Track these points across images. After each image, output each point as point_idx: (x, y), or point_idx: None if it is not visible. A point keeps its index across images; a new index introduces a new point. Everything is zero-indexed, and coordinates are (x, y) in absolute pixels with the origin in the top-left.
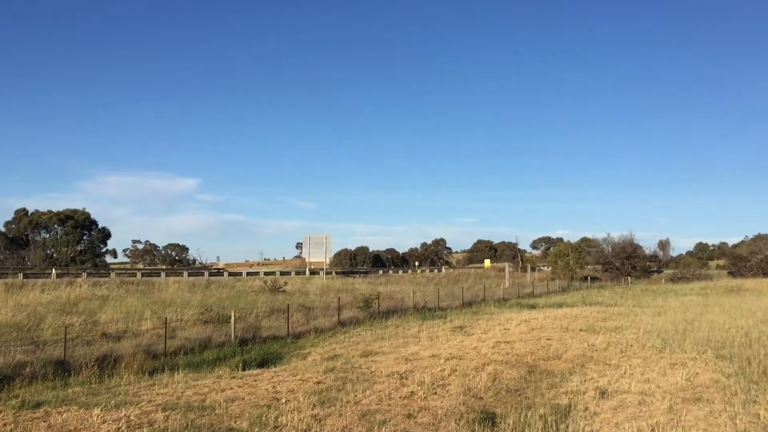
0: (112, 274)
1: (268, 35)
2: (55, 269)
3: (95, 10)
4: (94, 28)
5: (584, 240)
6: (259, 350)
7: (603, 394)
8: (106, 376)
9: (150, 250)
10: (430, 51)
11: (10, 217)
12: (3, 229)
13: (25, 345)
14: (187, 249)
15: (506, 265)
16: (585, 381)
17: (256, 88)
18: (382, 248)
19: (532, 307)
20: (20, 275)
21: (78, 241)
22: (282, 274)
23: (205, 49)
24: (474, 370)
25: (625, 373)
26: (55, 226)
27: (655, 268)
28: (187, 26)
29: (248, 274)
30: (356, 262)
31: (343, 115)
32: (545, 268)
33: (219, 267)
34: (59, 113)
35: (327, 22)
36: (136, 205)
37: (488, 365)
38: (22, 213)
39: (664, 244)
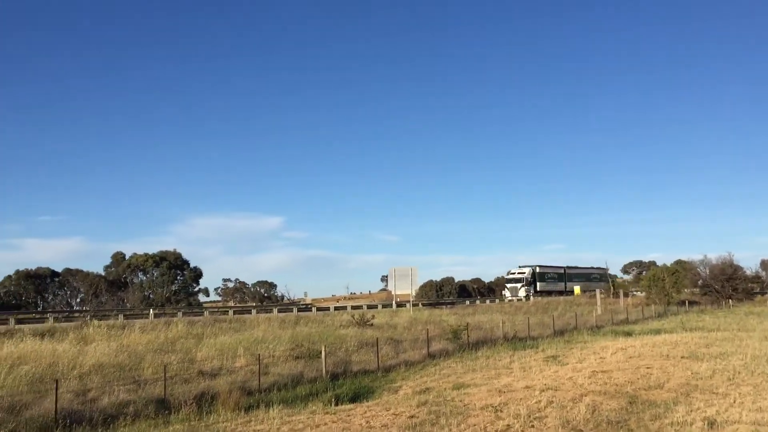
0: (206, 313)
1: (344, 69)
2: (153, 309)
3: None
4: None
5: (679, 262)
6: (350, 385)
7: (712, 424)
8: (204, 413)
9: (240, 287)
10: (509, 75)
11: (108, 261)
12: (103, 273)
13: (127, 384)
14: (275, 285)
15: (597, 291)
16: (691, 411)
17: (333, 132)
18: (468, 278)
19: (628, 334)
20: (120, 316)
21: (172, 281)
22: (369, 307)
23: (287, 96)
24: (571, 402)
25: (734, 402)
26: (151, 267)
27: (758, 290)
28: (263, 61)
29: (336, 308)
30: (442, 292)
31: (421, 146)
32: (638, 293)
33: (307, 302)
34: (151, 162)
35: (403, 55)
36: (224, 244)
37: (586, 396)
38: (120, 256)
39: (766, 264)
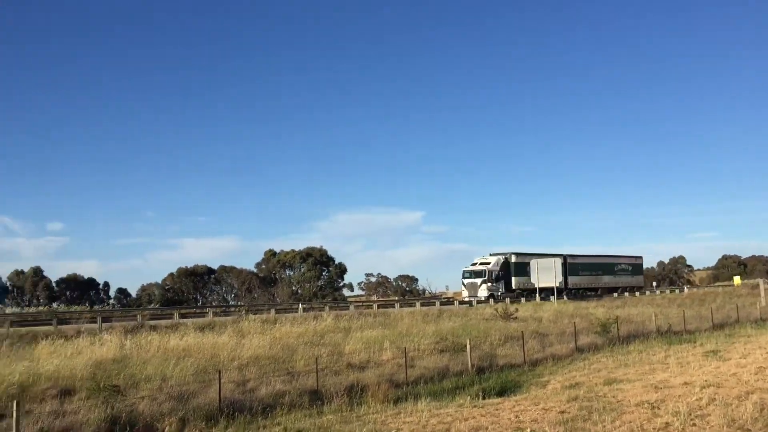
0: (351, 307)
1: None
2: (302, 304)
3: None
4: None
5: None
6: (496, 378)
7: None
8: (355, 404)
9: (382, 282)
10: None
11: (260, 258)
12: (255, 270)
13: (282, 375)
14: (416, 279)
15: (760, 281)
16: None
17: (471, 125)
18: None
19: None
20: (272, 311)
21: (318, 276)
22: (512, 300)
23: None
24: (736, 399)
25: None
26: (298, 264)
27: None
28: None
29: (478, 302)
30: None
31: (556, 135)
32: None
33: (449, 296)
34: (297, 162)
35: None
36: (366, 240)
37: (753, 393)
38: (270, 254)
39: None
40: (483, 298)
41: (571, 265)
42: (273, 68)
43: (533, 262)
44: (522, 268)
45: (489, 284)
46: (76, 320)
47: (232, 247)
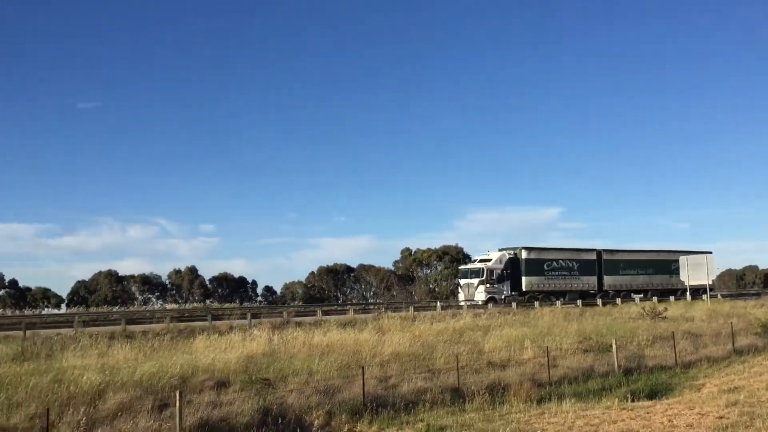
0: (490, 305)
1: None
2: (439, 302)
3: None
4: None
5: None
6: (645, 380)
7: None
8: (497, 403)
9: None
10: None
11: (395, 256)
12: (392, 268)
13: (422, 373)
14: None
15: None
16: None
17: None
18: None
19: None
20: (411, 308)
21: (455, 275)
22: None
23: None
24: None
25: None
26: (434, 262)
27: None
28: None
29: (622, 300)
30: (744, 282)
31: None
32: None
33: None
34: (432, 161)
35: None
36: (503, 237)
37: None
38: (406, 252)
39: None
40: (480, 302)
41: (607, 263)
42: (407, 69)
43: (682, 260)
44: (536, 266)
45: (487, 285)
46: (228, 316)
47: (369, 246)
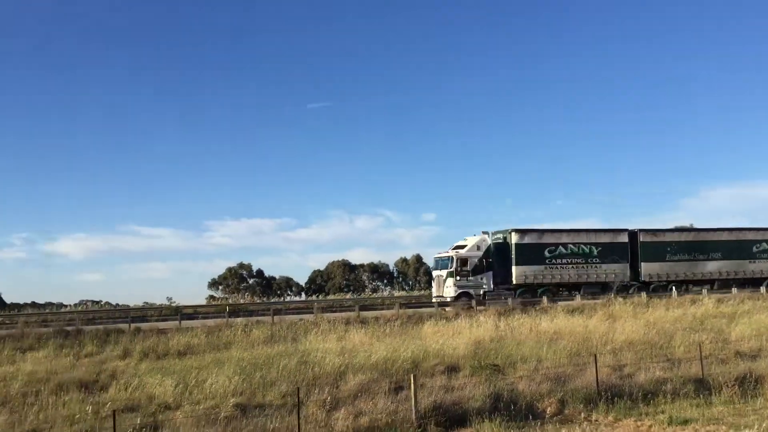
0: (733, 290)
1: None
2: (674, 288)
3: None
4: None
5: None
6: None
7: None
8: (749, 396)
9: None
10: None
11: None
12: None
13: (660, 362)
14: None
15: None
16: None
17: None
18: None
19: None
20: (643, 294)
21: None
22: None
23: None
24: None
25: None
26: None
27: None
28: None
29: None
30: None
31: None
32: None
33: None
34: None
35: None
36: (747, 217)
37: None
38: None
39: None
40: (449, 299)
41: (647, 247)
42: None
43: None
44: (532, 253)
45: (457, 279)
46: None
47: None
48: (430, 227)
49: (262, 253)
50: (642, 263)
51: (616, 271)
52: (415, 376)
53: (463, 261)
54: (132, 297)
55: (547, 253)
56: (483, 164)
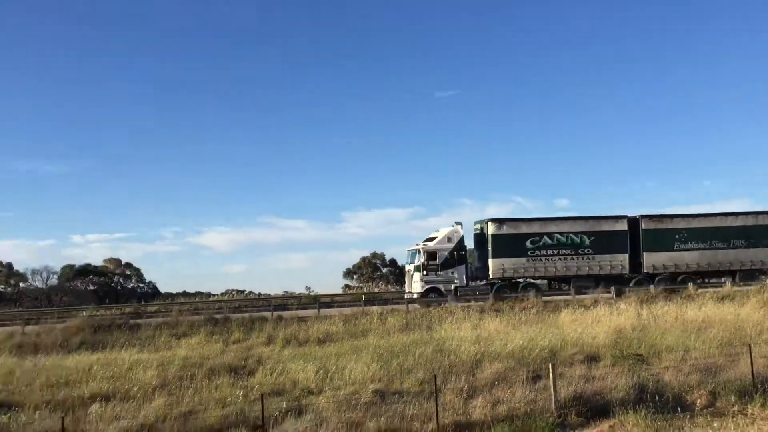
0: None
1: None
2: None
3: None
4: None
5: None
6: None
7: None
8: None
9: None
10: None
11: None
12: None
13: None
14: None
15: None
16: None
17: None
18: None
19: None
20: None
21: None
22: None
23: None
24: None
25: None
26: None
27: None
28: None
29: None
30: None
31: None
32: None
33: None
34: None
35: None
36: None
37: None
38: None
39: None
40: (415, 295)
41: (650, 234)
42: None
43: None
44: (511, 244)
45: (424, 273)
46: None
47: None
48: (564, 213)
49: (395, 242)
50: (644, 253)
51: (612, 262)
52: (553, 365)
53: (431, 254)
54: (273, 286)
55: (529, 244)
56: (619, 147)
